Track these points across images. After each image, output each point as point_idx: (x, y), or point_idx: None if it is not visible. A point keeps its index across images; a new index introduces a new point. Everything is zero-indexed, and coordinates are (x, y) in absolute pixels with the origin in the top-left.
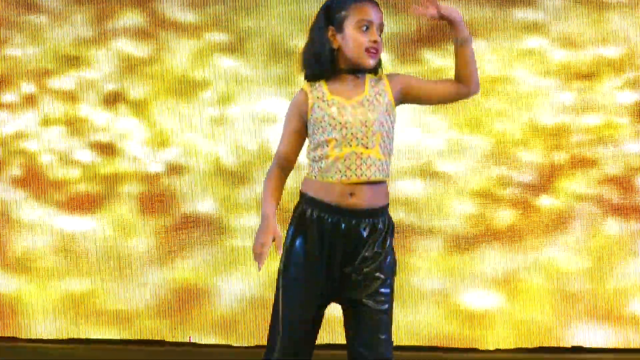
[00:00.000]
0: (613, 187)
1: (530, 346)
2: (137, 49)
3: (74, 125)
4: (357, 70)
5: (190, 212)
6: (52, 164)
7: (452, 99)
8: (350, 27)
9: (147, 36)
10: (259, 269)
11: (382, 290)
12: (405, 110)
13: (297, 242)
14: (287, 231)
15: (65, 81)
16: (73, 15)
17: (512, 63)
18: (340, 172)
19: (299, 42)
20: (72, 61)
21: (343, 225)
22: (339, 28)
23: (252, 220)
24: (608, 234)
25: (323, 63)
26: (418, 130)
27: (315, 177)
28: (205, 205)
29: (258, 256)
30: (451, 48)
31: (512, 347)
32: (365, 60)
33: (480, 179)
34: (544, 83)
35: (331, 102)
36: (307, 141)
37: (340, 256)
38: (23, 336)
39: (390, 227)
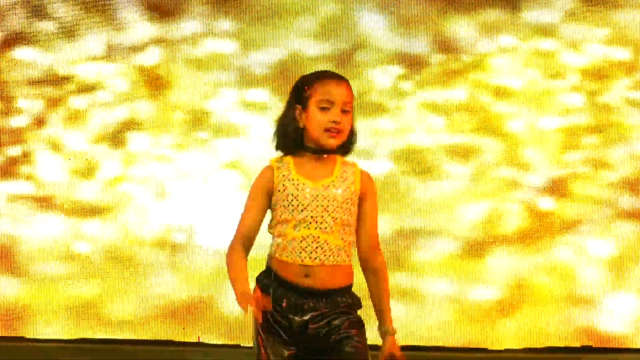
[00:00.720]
0: (625, 189)
1: (539, 346)
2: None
3: (83, 131)
4: (323, 150)
5: (200, 215)
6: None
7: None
8: (312, 106)
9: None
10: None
11: (348, 339)
12: (413, 112)
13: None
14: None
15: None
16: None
17: (522, 65)
18: (295, 252)
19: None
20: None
21: (301, 304)
22: (305, 107)
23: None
24: (619, 237)
25: (288, 141)
26: (427, 133)
27: (274, 253)
28: (214, 207)
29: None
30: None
31: (521, 347)
32: (325, 140)
33: (490, 181)
34: (554, 84)
35: (296, 182)
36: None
37: (300, 329)
38: (31, 336)
39: (353, 306)
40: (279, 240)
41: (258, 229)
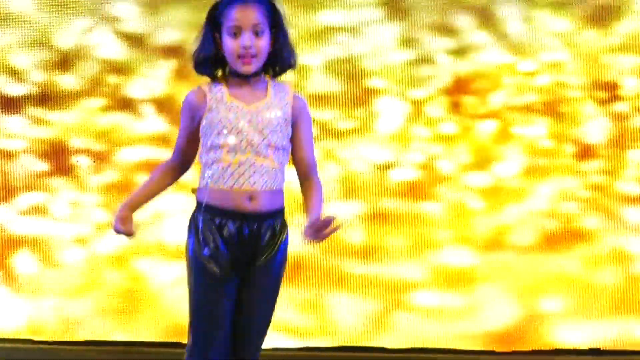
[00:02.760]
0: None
1: (546, 348)
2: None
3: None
4: (249, 75)
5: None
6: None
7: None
8: (224, 33)
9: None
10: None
11: (266, 294)
12: (421, 121)
13: (196, 251)
14: (187, 240)
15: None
16: None
17: (535, 71)
18: (234, 179)
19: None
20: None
21: (246, 230)
22: (220, 34)
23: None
24: (630, 246)
25: (212, 68)
26: (435, 141)
27: (207, 183)
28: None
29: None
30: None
31: (529, 349)
32: (240, 67)
33: (503, 190)
34: (568, 92)
35: (230, 105)
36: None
37: (243, 258)
38: (36, 337)
39: (285, 230)
40: (214, 167)
41: (193, 150)
